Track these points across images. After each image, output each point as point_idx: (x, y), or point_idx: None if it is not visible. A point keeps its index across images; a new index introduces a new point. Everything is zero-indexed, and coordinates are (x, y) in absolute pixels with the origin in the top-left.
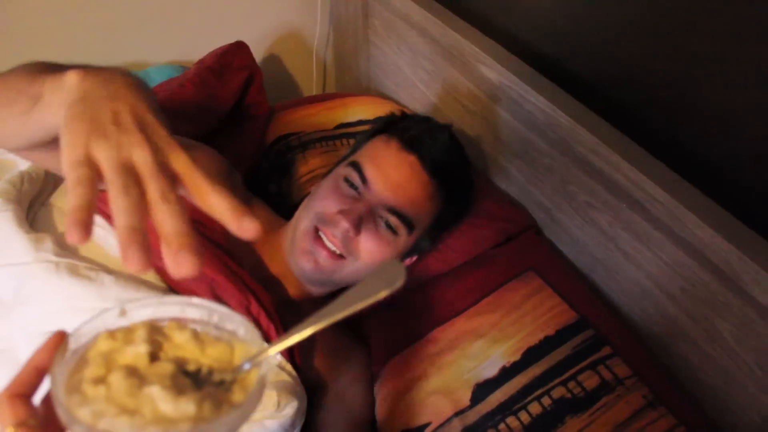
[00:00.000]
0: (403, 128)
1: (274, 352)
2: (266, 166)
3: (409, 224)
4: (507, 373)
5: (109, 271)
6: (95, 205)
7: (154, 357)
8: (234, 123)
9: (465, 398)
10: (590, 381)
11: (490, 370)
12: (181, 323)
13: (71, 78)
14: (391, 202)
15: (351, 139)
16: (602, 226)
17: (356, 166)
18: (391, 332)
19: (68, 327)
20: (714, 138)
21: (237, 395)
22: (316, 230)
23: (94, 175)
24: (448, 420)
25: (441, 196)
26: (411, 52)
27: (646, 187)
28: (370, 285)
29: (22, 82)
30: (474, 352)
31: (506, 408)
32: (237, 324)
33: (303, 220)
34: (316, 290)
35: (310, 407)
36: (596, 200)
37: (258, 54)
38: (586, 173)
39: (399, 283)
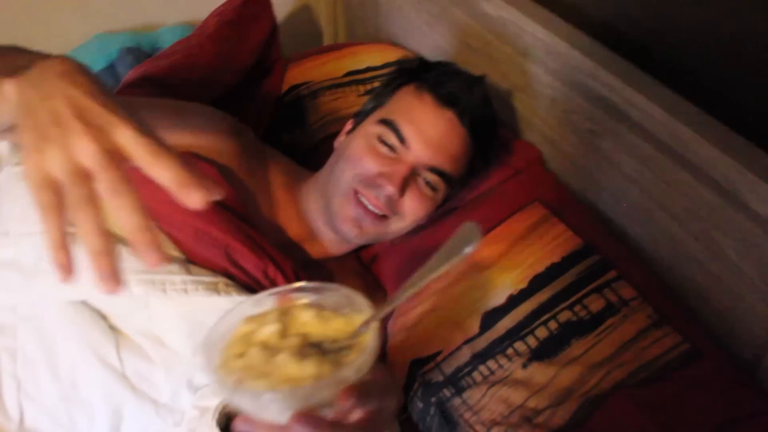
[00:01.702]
0: (435, 82)
1: (379, 317)
2: (278, 116)
3: (449, 181)
4: (514, 301)
5: (124, 242)
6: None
7: (284, 334)
8: (251, 78)
9: (474, 326)
10: (596, 304)
11: (498, 299)
12: (305, 305)
13: (9, 91)
14: (432, 161)
15: (360, 85)
16: (606, 152)
17: (391, 125)
18: (403, 269)
19: (87, 297)
20: (710, 55)
21: (353, 356)
22: (356, 193)
23: (55, 197)
24: (458, 348)
25: (475, 148)
26: None
27: (643, 106)
28: (453, 246)
29: None
30: (482, 283)
31: (514, 333)
32: (349, 298)
33: (340, 183)
34: (338, 249)
35: None
36: (598, 126)
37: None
38: (588, 100)
39: (477, 241)
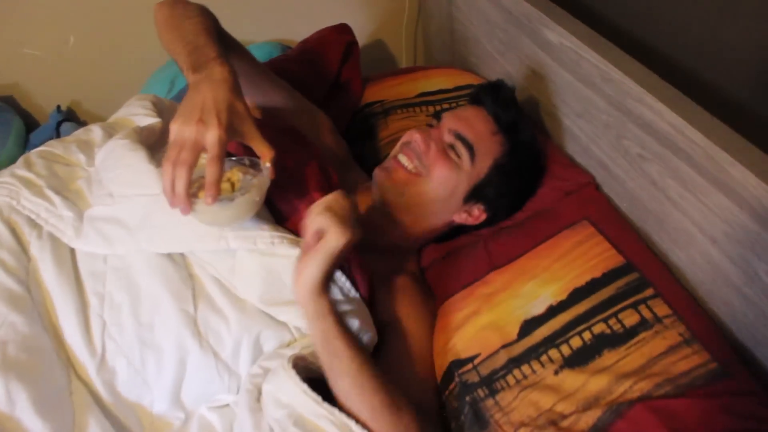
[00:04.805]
0: (475, 92)
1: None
2: (351, 129)
3: (470, 149)
4: (553, 311)
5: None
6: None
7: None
8: (332, 95)
9: (513, 333)
10: (630, 319)
11: (538, 308)
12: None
13: (189, 78)
14: (456, 127)
15: (430, 106)
16: (653, 177)
17: (436, 115)
18: (453, 275)
19: (182, 250)
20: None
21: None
22: (397, 155)
23: (178, 154)
24: (496, 352)
25: (503, 141)
26: (488, 24)
27: (685, 131)
28: None
29: (191, 42)
30: (525, 292)
31: (549, 341)
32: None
33: (393, 150)
34: (393, 236)
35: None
36: (647, 152)
37: (355, 32)
38: (638, 125)
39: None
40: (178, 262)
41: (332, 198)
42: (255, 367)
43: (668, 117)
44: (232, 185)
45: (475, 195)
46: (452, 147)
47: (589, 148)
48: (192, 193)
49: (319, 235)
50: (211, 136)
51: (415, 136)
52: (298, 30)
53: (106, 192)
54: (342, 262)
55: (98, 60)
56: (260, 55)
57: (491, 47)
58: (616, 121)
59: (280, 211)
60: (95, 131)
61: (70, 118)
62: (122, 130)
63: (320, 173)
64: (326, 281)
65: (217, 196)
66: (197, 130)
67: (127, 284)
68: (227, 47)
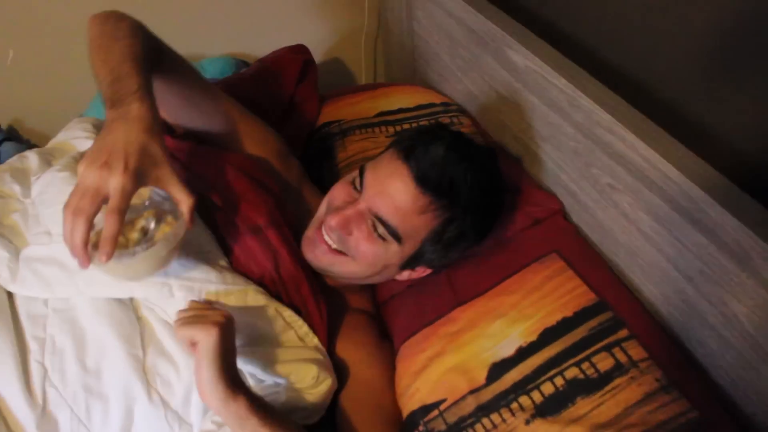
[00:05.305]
0: (407, 137)
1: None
2: (308, 151)
3: (394, 235)
4: (523, 353)
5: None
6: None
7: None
8: (287, 116)
9: (481, 377)
10: (604, 363)
11: (507, 350)
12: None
13: (106, 114)
14: (378, 210)
15: (389, 126)
16: (624, 209)
17: (361, 170)
18: (413, 311)
19: (123, 295)
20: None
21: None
22: (322, 222)
23: (80, 202)
24: (463, 397)
25: (438, 212)
26: (449, 41)
27: (659, 165)
28: None
29: (114, 69)
30: (493, 332)
31: (520, 387)
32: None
33: (320, 208)
34: (346, 281)
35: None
36: (618, 182)
37: (312, 48)
38: (608, 155)
39: None
40: (125, 303)
41: (189, 306)
42: (207, 423)
43: (641, 149)
44: (145, 234)
45: (412, 262)
46: (376, 230)
47: (557, 174)
48: (94, 243)
49: (193, 344)
50: (115, 183)
51: (332, 222)
52: (254, 44)
53: (44, 230)
54: (298, 304)
55: (41, 75)
56: (214, 69)
57: (453, 65)
58: (585, 148)
59: (232, 252)
60: (31, 158)
61: (11, 137)
62: (61, 158)
63: (275, 210)
64: (229, 383)
65: (112, 253)
66: (100, 176)
67: (71, 327)
68: (167, 67)
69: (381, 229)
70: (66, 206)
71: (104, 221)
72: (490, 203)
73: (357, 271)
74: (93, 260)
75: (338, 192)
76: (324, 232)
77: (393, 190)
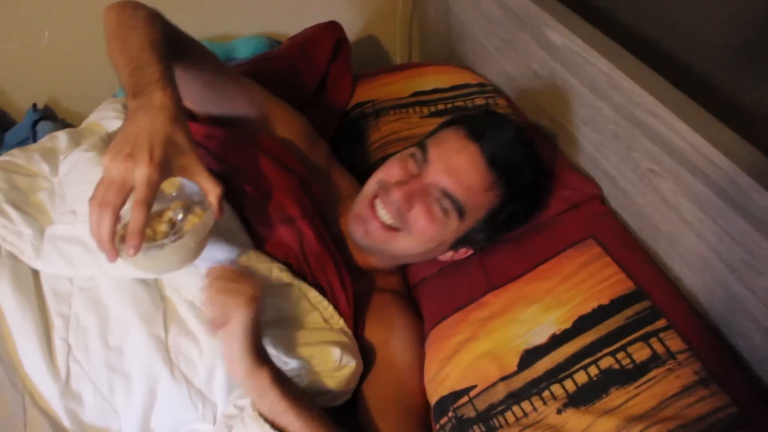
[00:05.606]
0: (472, 117)
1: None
2: (341, 132)
3: (459, 209)
4: (557, 341)
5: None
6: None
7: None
8: (320, 96)
9: (512, 363)
10: (640, 353)
11: (540, 337)
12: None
13: (128, 104)
14: (445, 184)
15: (424, 107)
16: (665, 194)
17: (422, 146)
18: (444, 296)
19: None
20: None
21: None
22: (374, 197)
23: (106, 195)
24: (494, 384)
25: (500, 192)
26: (486, 20)
27: (704, 149)
28: None
29: (134, 58)
30: (526, 318)
31: (552, 375)
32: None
33: (367, 186)
34: (375, 261)
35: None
36: (659, 167)
37: (346, 28)
38: (649, 138)
39: None
40: (149, 282)
41: (222, 272)
42: (230, 407)
43: (684, 132)
44: (173, 225)
45: (462, 242)
46: (440, 205)
47: (596, 158)
48: (121, 236)
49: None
50: (140, 174)
51: (395, 195)
52: (287, 24)
53: (69, 209)
54: (324, 285)
55: (76, 55)
56: (247, 49)
57: (490, 44)
58: (626, 131)
59: (257, 234)
60: (60, 138)
61: (47, 117)
62: (89, 138)
63: (301, 191)
64: (257, 354)
65: (139, 246)
66: (125, 168)
67: (95, 305)
68: (186, 55)
69: (446, 203)
70: (91, 199)
71: (131, 214)
72: (541, 189)
73: (411, 247)
74: (120, 254)
75: (394, 168)
76: (380, 206)
77: (462, 166)
